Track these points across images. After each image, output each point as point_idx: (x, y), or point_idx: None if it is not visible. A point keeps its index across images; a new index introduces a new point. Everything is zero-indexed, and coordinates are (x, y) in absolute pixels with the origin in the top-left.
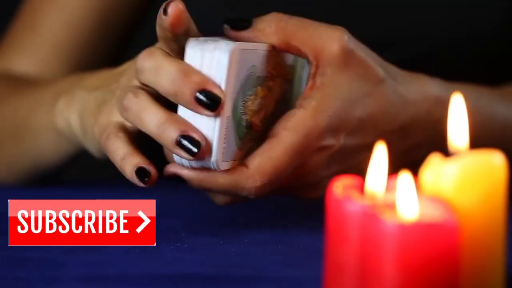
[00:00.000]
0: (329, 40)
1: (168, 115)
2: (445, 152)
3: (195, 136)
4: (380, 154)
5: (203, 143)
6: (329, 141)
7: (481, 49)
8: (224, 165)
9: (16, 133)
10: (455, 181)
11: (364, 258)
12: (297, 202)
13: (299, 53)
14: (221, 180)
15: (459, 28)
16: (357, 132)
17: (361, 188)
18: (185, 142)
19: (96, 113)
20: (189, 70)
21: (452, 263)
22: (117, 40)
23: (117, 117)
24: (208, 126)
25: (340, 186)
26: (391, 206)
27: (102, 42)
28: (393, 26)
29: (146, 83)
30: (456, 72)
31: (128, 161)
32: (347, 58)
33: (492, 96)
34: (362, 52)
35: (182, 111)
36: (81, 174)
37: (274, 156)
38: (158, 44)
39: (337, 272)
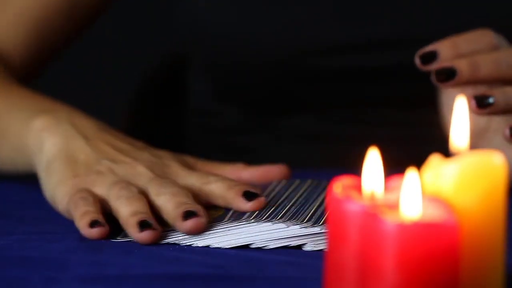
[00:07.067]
0: None
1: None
2: None
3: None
4: (374, 156)
5: None
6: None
7: None
8: None
9: None
10: (455, 181)
11: (364, 257)
12: None
13: None
14: None
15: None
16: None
17: (361, 188)
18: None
19: (80, 173)
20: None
21: (452, 262)
22: (81, 22)
23: (100, 191)
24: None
25: (340, 186)
26: (391, 206)
27: (67, 22)
28: (395, 26)
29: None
30: None
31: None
32: None
33: None
34: None
35: None
36: None
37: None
38: None
39: (337, 272)
